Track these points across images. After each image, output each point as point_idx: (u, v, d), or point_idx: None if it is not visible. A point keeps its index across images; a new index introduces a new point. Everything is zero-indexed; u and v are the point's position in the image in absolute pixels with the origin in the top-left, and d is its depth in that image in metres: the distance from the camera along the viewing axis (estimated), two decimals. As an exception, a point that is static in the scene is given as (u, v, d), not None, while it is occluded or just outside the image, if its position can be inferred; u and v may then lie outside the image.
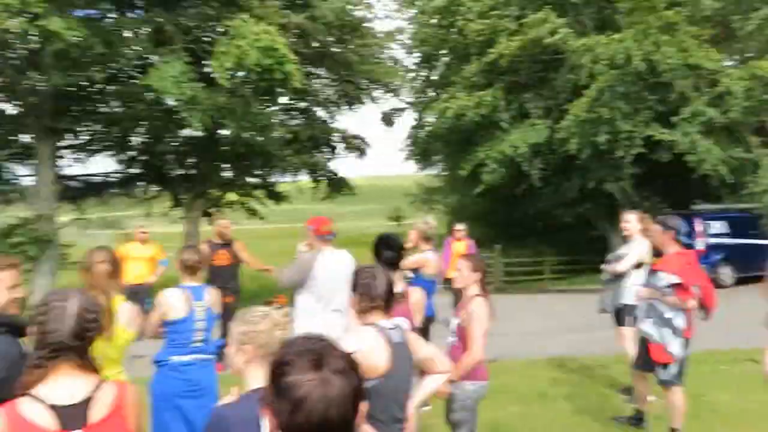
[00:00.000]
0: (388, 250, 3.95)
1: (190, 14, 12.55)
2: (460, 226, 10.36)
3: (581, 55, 14.23)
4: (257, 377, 2.14)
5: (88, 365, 1.93)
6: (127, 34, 11.95)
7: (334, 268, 4.89)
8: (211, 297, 4.22)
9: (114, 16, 12.71)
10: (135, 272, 9.40)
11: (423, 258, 5.99)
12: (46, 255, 12.36)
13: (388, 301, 2.72)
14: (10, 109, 13.93)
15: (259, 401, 1.98)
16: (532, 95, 16.42)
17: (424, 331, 4.16)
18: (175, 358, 4.00)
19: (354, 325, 2.93)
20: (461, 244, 10.06)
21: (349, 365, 1.28)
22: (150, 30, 11.92)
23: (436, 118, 17.43)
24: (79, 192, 16.51)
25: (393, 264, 3.84)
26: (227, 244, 7.82)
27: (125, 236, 16.41)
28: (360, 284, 2.73)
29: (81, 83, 11.82)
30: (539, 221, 21.03)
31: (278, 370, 1.26)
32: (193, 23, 11.99)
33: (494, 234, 21.82)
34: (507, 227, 21.88)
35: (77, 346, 1.89)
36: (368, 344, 2.53)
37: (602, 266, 6.47)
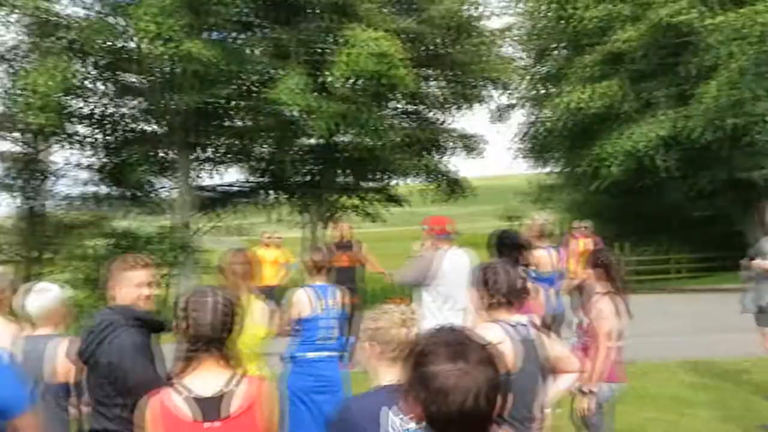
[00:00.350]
0: (507, 246, 3.90)
1: (308, 28, 13.16)
2: (581, 223, 10.04)
3: (710, 35, 13.16)
4: (381, 374, 2.21)
5: (228, 359, 2.02)
6: (251, 51, 12.74)
7: (455, 266, 4.91)
8: (337, 296, 4.40)
9: (240, 36, 13.63)
10: (266, 275, 10.00)
11: (537, 255, 5.85)
12: (185, 260, 13.42)
13: (514, 297, 2.69)
14: (153, 128, 15.36)
15: (395, 392, 2.07)
16: (655, 83, 15.45)
17: (547, 329, 4.07)
18: (305, 355, 4.21)
19: (477, 323, 2.93)
20: (584, 241, 9.74)
21: (490, 356, 1.27)
22: (272, 46, 12.63)
23: (552, 113, 16.88)
24: (212, 201, 17.78)
25: (514, 261, 3.79)
26: (348, 246, 8.09)
27: (253, 242, 17.51)
28: (484, 280, 2.69)
29: (212, 101, 12.75)
30: (667, 217, 19.68)
31: (418, 359, 1.27)
32: (310, 36, 12.54)
33: (616, 231, 20.75)
34: (630, 224, 20.69)
35: (220, 339, 2.00)
36: (494, 340, 2.53)
37: (742, 263, 5.97)
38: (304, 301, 4.26)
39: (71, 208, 16.99)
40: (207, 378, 1.95)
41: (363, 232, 19.81)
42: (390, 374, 2.19)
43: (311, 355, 4.22)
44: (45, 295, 3.07)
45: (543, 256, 5.82)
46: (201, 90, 11.30)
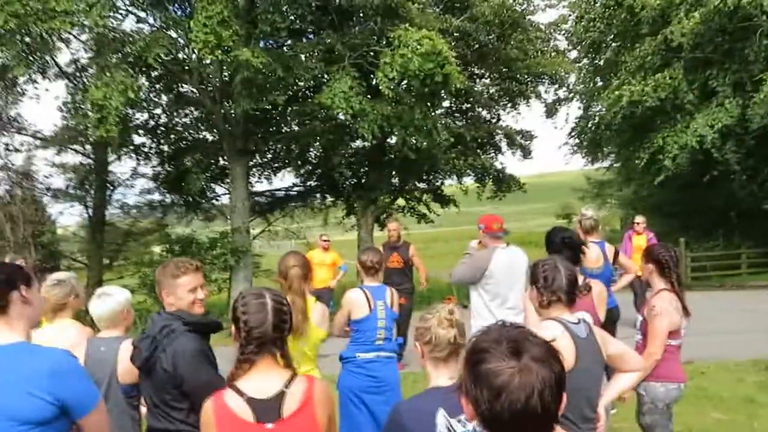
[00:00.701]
0: (565, 244, 3.83)
1: (357, 32, 13.29)
2: (639, 219, 9.93)
3: None
4: (433, 375, 2.22)
5: (284, 360, 2.03)
6: (302, 56, 12.97)
7: (509, 265, 4.87)
8: (391, 296, 4.43)
9: (290, 42, 13.91)
10: (318, 277, 10.18)
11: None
12: (242, 264, 13.75)
13: (571, 295, 2.65)
14: (208, 136, 15.84)
15: (449, 393, 2.07)
16: (717, 70, 14.81)
17: (605, 326, 3.98)
18: (360, 356, 4.24)
19: (533, 321, 2.90)
20: (641, 237, 9.63)
21: (549, 353, 1.23)
22: (322, 51, 12.82)
23: (607, 107, 16.42)
24: (266, 206, 18.20)
25: (570, 259, 3.72)
26: (398, 247, 8.10)
27: (307, 245, 17.82)
28: (540, 277, 2.66)
29: (265, 107, 13.05)
30: (731, 210, 18.82)
31: (475, 357, 1.24)
32: (359, 39, 12.67)
33: (676, 226, 20.02)
34: (691, 218, 19.91)
35: (277, 339, 2.01)
36: (554, 338, 2.50)
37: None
38: (359, 302, 4.29)
39: (135, 216, 17.76)
40: (264, 379, 1.97)
41: (412, 233, 19.88)
42: (442, 375, 2.20)
43: (367, 355, 4.25)
44: (109, 299, 3.21)
45: (590, 252, 5.67)
46: (255, 97, 11.57)
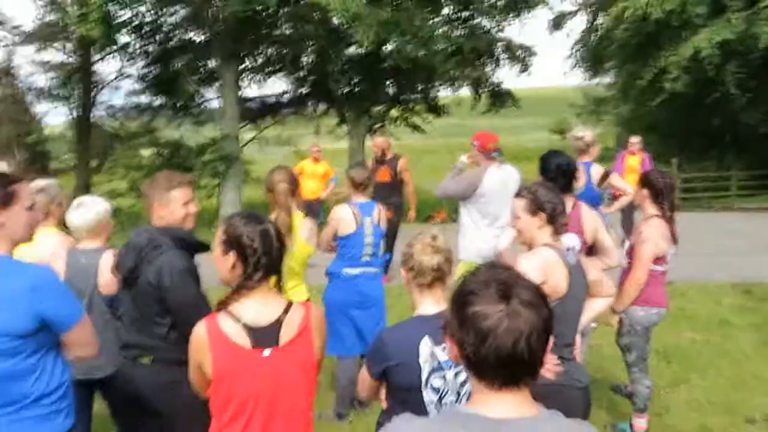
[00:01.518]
0: (557, 169, 3.74)
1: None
2: (634, 139, 9.78)
3: None
4: (418, 301, 2.22)
5: (279, 287, 2.03)
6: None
7: (501, 184, 4.81)
8: (379, 213, 4.40)
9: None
10: (309, 188, 10.13)
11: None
12: (231, 172, 13.63)
13: (560, 221, 2.62)
14: (197, 37, 15.18)
15: (433, 320, 2.07)
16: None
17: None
18: (346, 271, 4.28)
19: (517, 240, 2.89)
20: (635, 158, 9.56)
21: (538, 297, 1.21)
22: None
23: (613, 18, 15.77)
24: (257, 112, 17.83)
25: (564, 186, 3.65)
26: (388, 160, 7.89)
27: (298, 154, 17.65)
28: (532, 203, 2.62)
29: (256, 8, 12.43)
30: (727, 132, 18.66)
31: (462, 299, 1.21)
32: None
33: (672, 146, 19.89)
34: (687, 139, 19.76)
35: (276, 267, 2.00)
36: (551, 263, 2.50)
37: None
38: (347, 218, 4.27)
39: (122, 118, 17.38)
40: (260, 306, 1.95)
41: (404, 144, 19.71)
42: (426, 301, 2.19)
43: (354, 271, 4.28)
44: (87, 209, 3.14)
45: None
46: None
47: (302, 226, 3.79)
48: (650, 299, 3.68)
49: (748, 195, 16.75)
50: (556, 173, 3.69)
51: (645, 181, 3.75)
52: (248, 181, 16.39)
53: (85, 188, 15.93)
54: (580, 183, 5.51)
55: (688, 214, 14.39)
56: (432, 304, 2.18)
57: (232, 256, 1.97)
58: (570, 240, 3.07)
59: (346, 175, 4.48)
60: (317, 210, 10.34)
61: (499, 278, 1.22)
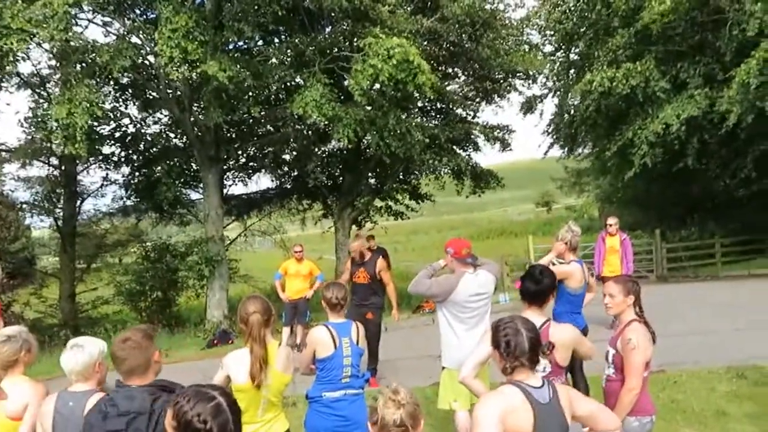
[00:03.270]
0: (536, 294, 3.76)
1: (327, 35, 13.08)
2: (611, 221, 10.00)
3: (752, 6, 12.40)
4: None
5: None
6: (272, 61, 12.75)
7: (476, 292, 4.84)
8: (357, 332, 4.35)
9: (261, 44, 13.65)
10: (294, 288, 10.09)
11: (567, 270, 5.68)
12: (217, 274, 13.59)
13: (534, 357, 2.57)
14: (179, 142, 15.57)
15: None
16: (688, 63, 14.86)
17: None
18: (327, 395, 4.18)
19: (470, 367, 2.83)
20: (614, 238, 9.75)
21: None
22: (292, 55, 12.60)
23: (581, 98, 16.43)
24: (243, 209, 18.04)
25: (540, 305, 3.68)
26: (366, 262, 7.66)
27: (284, 247, 17.71)
28: (502, 342, 2.57)
29: (237, 114, 12.84)
30: (706, 200, 19.02)
31: None
32: (329, 43, 12.46)
33: (652, 216, 20.21)
34: (666, 208, 20.10)
35: None
36: (512, 405, 2.45)
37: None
38: (323, 341, 4.21)
39: (108, 223, 17.48)
40: None
41: (391, 225, 19.89)
42: None
43: (334, 394, 4.18)
44: (81, 351, 3.07)
45: (572, 271, 5.66)
46: (225, 107, 11.38)
47: (278, 356, 3.72)
48: (643, 409, 3.61)
49: (732, 261, 16.84)
50: (531, 296, 3.73)
51: (630, 289, 3.78)
52: (235, 280, 16.33)
53: (70, 297, 15.76)
54: (578, 282, 5.58)
55: (675, 286, 14.43)
56: None
57: None
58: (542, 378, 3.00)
59: (322, 295, 4.46)
60: (304, 310, 10.25)
61: None
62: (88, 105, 9.54)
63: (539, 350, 2.62)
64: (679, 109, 13.96)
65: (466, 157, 17.62)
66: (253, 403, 3.58)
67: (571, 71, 19.52)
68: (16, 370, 3.48)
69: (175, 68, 9.69)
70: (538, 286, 3.75)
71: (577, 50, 19.03)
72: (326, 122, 11.34)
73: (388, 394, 2.18)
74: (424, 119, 17.10)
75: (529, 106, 19.43)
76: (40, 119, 11.20)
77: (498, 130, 17.96)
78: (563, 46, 19.23)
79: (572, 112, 18.78)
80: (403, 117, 12.45)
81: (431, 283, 4.92)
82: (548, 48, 19.67)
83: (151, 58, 12.56)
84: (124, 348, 2.70)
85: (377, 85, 11.53)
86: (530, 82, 18.28)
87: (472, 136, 17.85)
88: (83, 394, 3.00)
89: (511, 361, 2.55)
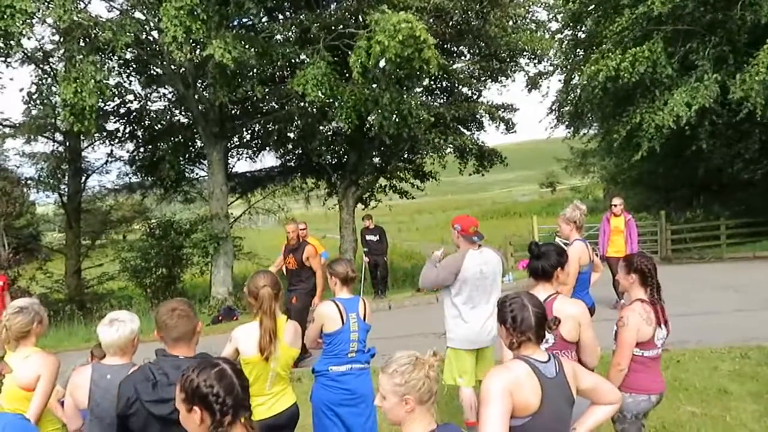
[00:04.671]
0: (540, 261, 3.73)
1: (333, 11, 12.93)
2: (616, 201, 10.04)
3: None
4: (421, 423, 2.15)
5: (250, 426, 2.03)
6: (277, 37, 12.62)
7: (481, 269, 4.86)
8: (364, 308, 4.38)
9: (265, 20, 13.51)
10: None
11: (577, 248, 5.67)
12: (221, 250, 13.63)
13: (540, 332, 2.59)
14: (183, 119, 15.50)
15: None
16: (697, 44, 14.60)
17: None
18: (333, 369, 4.22)
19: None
20: (619, 219, 9.75)
21: None
22: (297, 32, 12.48)
23: (587, 80, 16.25)
24: (247, 187, 18.03)
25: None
26: (296, 249, 8.15)
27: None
28: (508, 317, 2.59)
29: (241, 92, 12.75)
30: (712, 182, 18.90)
31: None
32: (334, 19, 12.33)
33: (658, 198, 20.14)
34: (672, 190, 20.01)
35: (247, 400, 2.01)
36: (519, 380, 2.46)
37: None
38: (331, 315, 4.24)
39: (112, 200, 17.51)
40: None
41: (395, 204, 19.87)
42: (422, 424, 2.14)
43: (340, 368, 4.22)
44: (123, 326, 3.11)
45: (584, 250, 5.62)
46: (231, 85, 11.30)
47: (286, 329, 3.76)
48: (639, 386, 3.63)
49: (737, 243, 16.81)
50: (540, 273, 3.71)
51: (633, 267, 3.74)
52: (239, 257, 16.38)
53: (76, 273, 15.85)
54: (584, 261, 5.57)
55: (679, 267, 14.44)
56: (427, 423, 2.15)
57: (197, 411, 1.91)
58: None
59: (329, 269, 4.48)
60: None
61: None
62: (95, 83, 9.48)
63: (545, 325, 2.64)
64: (689, 96, 13.72)
65: (471, 136, 17.52)
66: (262, 375, 3.62)
67: (578, 50, 19.29)
68: (28, 341, 3.53)
69: (178, 48, 9.60)
70: (543, 261, 3.74)
71: (585, 28, 18.78)
72: (327, 100, 11.27)
73: (426, 360, 2.18)
74: (430, 98, 16.97)
75: (534, 83, 19.22)
76: (44, 96, 11.13)
77: (503, 110, 17.84)
78: (570, 24, 18.96)
79: (578, 91, 18.59)
80: (405, 97, 12.32)
81: (437, 270, 4.94)
82: (555, 26, 19.46)
83: (155, 34, 12.46)
84: (172, 316, 2.77)
85: (382, 63, 11.44)
86: (536, 62, 18.10)
87: (478, 116, 17.75)
88: (121, 367, 3.04)
89: (517, 336, 2.58)
